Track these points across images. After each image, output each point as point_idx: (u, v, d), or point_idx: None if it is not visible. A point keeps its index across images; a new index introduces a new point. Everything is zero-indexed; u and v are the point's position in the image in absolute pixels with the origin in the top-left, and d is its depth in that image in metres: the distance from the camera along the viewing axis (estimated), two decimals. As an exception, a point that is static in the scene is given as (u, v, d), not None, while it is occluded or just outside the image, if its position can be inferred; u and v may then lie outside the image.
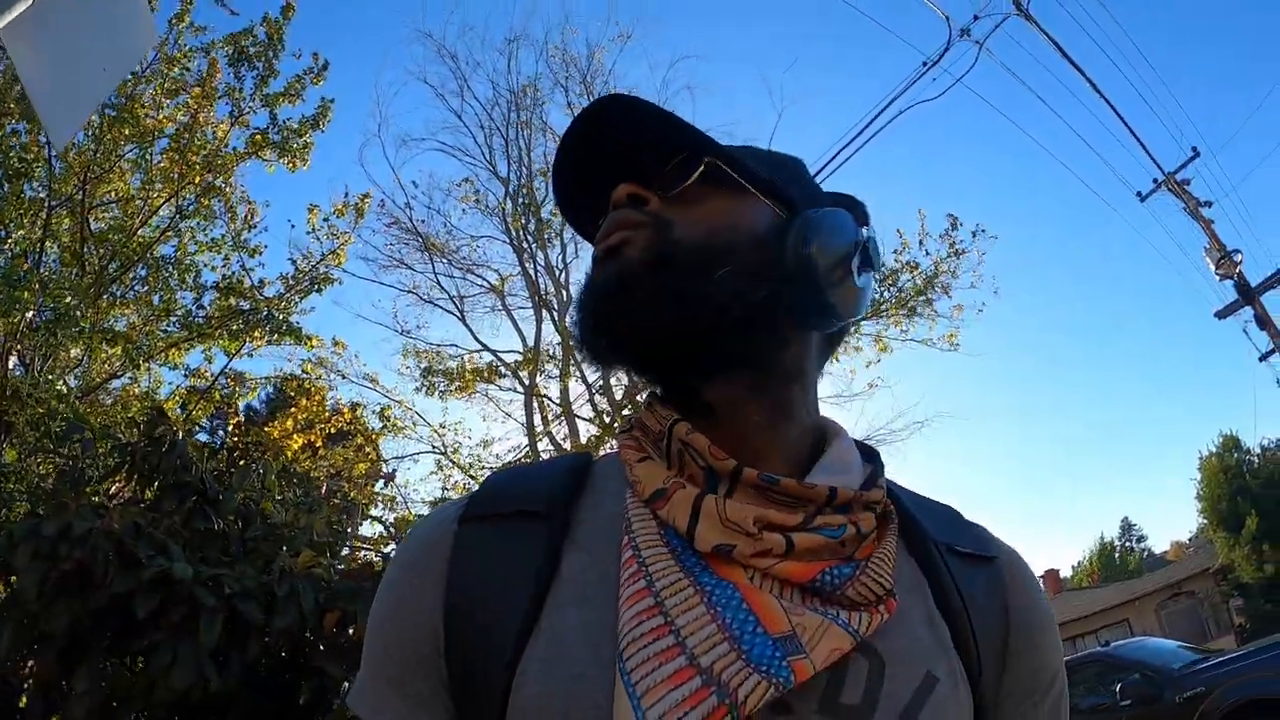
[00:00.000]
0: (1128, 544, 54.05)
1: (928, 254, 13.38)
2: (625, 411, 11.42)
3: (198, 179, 7.24)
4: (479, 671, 0.64)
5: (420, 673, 0.69)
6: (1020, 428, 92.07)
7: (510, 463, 13.14)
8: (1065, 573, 44.70)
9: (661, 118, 0.72)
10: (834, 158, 9.69)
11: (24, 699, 2.68)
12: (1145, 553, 51.95)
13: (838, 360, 0.81)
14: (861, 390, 14.68)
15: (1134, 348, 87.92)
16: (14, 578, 2.73)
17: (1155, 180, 15.14)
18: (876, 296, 13.36)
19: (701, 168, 0.72)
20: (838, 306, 0.73)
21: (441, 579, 0.69)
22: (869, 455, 0.76)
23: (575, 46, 18.45)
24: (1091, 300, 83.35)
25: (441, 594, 0.68)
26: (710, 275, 0.68)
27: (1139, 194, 15.61)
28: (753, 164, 0.74)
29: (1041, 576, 32.03)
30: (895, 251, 13.51)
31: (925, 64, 9.45)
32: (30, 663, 2.73)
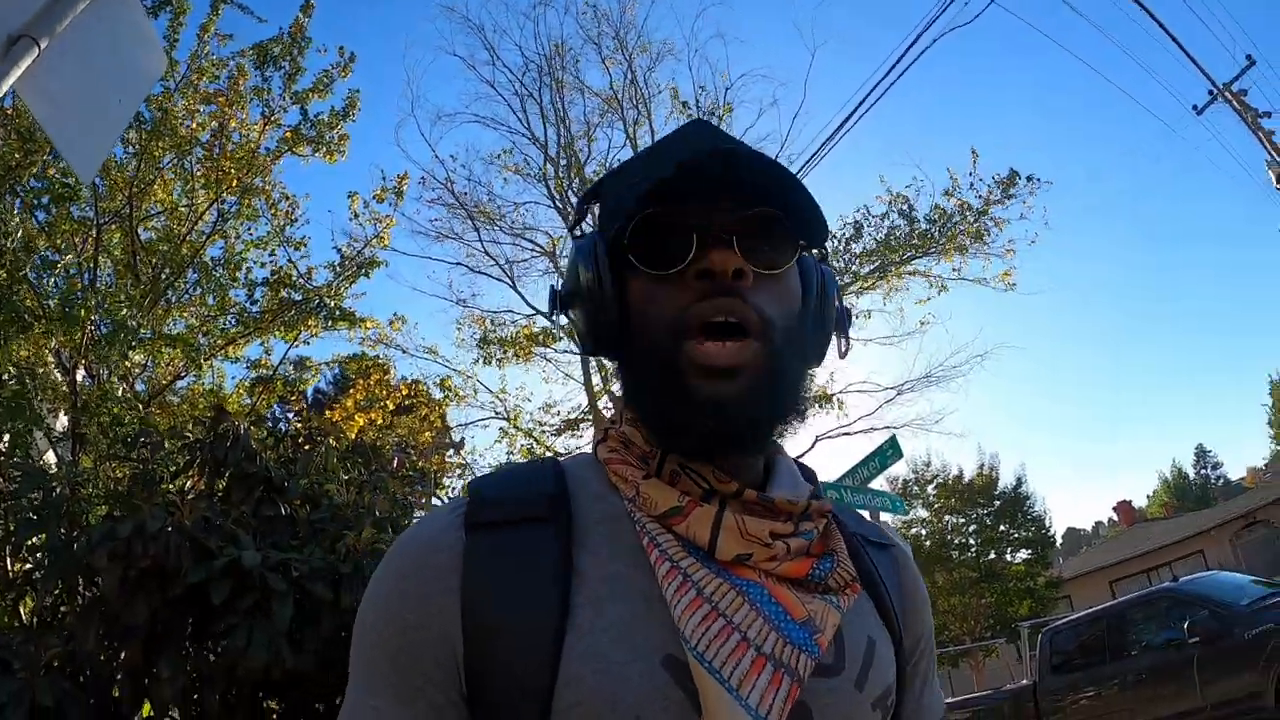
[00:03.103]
0: (1203, 471, 52.68)
1: (979, 196, 13.14)
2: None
3: (235, 182, 7.42)
4: (513, 673, 0.67)
5: (433, 684, 0.69)
6: (1085, 358, 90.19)
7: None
8: (1139, 503, 43.67)
9: (788, 185, 0.74)
10: (868, 96, 9.54)
11: (116, 689, 2.85)
12: (1221, 479, 50.61)
13: None
14: (914, 329, 14.55)
15: (1198, 271, 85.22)
16: (96, 578, 2.90)
17: (1210, 91, 14.62)
18: (931, 232, 13.21)
19: (797, 253, 0.78)
20: (829, 342, 0.86)
21: (454, 587, 0.70)
22: (807, 474, 0.87)
23: (605, 2, 18.22)
24: (1152, 224, 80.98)
25: (457, 602, 0.70)
26: (800, 380, 0.79)
27: (1195, 107, 15.10)
28: (816, 221, 0.78)
29: (1114, 508, 31.35)
30: (946, 192, 13.30)
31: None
32: (120, 654, 2.91)
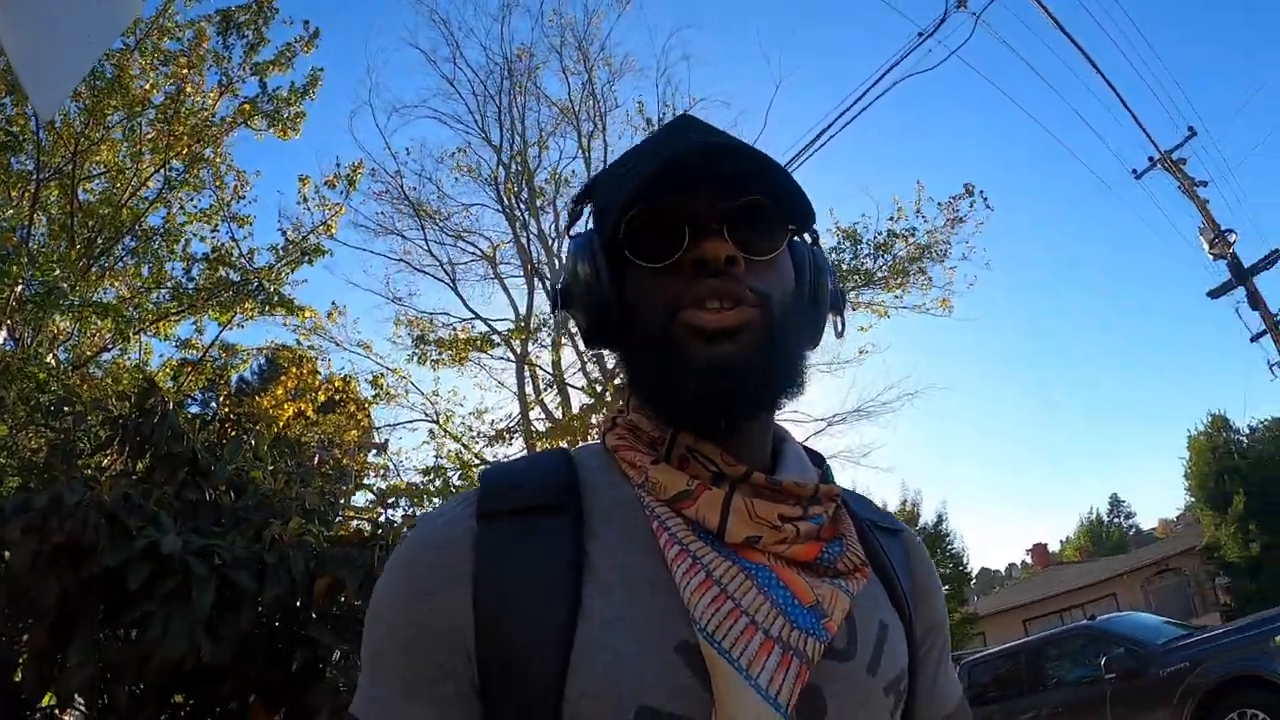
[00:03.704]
0: (1116, 520, 54.38)
1: (924, 219, 13.27)
2: (617, 381, 11.36)
3: (185, 149, 7.16)
4: (524, 663, 0.67)
5: (444, 675, 0.69)
6: (1011, 401, 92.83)
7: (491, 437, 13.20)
8: (1053, 547, 45.00)
9: (772, 172, 0.75)
10: (827, 129, 9.66)
11: (19, 673, 2.68)
12: (1133, 529, 52.32)
13: None
14: (852, 357, 14.74)
15: (1126, 325, 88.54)
16: (6, 552, 2.72)
17: (1151, 158, 15.16)
18: (871, 266, 13.39)
19: (788, 237, 0.80)
20: (825, 322, 0.86)
21: (466, 577, 0.70)
22: (815, 458, 0.87)
23: (573, 9, 18.23)
24: (1085, 277, 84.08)
25: (469, 592, 0.70)
26: (799, 353, 0.79)
27: (1134, 171, 15.61)
28: (802, 205, 0.79)
29: (1029, 550, 32.22)
30: (891, 219, 13.43)
31: (921, 35, 9.45)
32: (25, 636, 2.73)
